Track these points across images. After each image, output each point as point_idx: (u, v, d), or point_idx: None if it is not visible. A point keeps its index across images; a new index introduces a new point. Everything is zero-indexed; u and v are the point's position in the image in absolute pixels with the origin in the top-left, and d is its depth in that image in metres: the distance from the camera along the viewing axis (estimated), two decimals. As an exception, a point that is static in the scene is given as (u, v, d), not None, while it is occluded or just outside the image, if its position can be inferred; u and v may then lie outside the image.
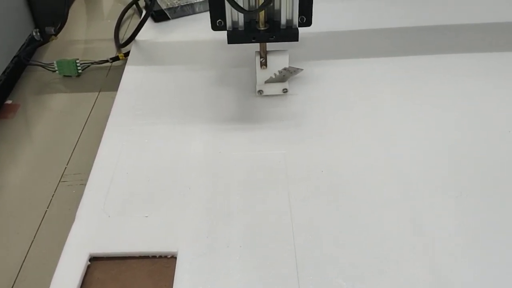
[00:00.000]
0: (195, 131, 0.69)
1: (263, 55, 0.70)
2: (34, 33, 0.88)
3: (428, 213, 0.57)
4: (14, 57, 0.84)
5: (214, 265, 0.52)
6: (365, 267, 0.51)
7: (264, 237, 0.55)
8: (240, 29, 0.67)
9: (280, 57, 0.71)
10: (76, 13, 1.05)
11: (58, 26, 0.89)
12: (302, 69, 0.74)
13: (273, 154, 0.65)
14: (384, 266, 0.51)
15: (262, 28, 0.67)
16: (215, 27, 0.67)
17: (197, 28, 0.92)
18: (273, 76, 0.73)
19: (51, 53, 0.92)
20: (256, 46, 0.70)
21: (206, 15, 0.95)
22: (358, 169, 0.62)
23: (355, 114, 0.71)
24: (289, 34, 0.67)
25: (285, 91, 0.74)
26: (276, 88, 0.74)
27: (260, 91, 0.74)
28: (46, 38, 0.90)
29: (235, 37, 0.67)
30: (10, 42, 0.83)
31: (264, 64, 0.71)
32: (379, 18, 0.93)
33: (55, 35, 0.90)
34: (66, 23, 0.91)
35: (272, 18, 0.67)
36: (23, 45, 0.87)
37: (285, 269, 0.51)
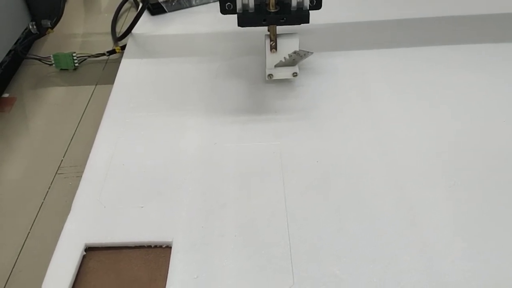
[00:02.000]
0: (191, 123, 0.69)
1: (273, 38, 0.70)
2: (30, 26, 0.88)
3: (422, 203, 0.57)
4: (11, 50, 0.84)
5: (209, 255, 0.52)
6: (359, 256, 0.52)
7: (259, 227, 0.55)
8: (250, 11, 0.67)
9: (290, 40, 0.71)
10: (73, 6, 1.05)
11: (55, 19, 0.89)
12: (312, 52, 0.73)
13: (268, 146, 0.65)
14: (377, 255, 0.52)
15: (273, 11, 0.66)
16: (224, 10, 0.67)
17: (193, 21, 0.92)
18: (283, 60, 0.72)
19: (47, 47, 0.93)
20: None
21: (203, 8, 0.97)
22: (353, 160, 0.62)
23: (350, 105, 0.71)
24: (300, 17, 0.66)
25: (295, 75, 0.73)
26: (286, 72, 0.73)
27: (270, 75, 0.73)
28: (42, 31, 0.89)
29: (245, 20, 0.67)
30: (6, 35, 0.83)
31: (274, 47, 0.70)
32: (383, 9, 0.93)
33: (52, 28, 0.89)
34: (63, 17, 0.90)
35: (283, 1, 0.67)
36: (19, 38, 0.87)
37: (280, 259, 0.52)
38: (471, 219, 0.55)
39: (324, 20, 0.83)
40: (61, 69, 0.86)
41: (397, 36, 0.85)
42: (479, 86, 0.73)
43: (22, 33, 0.88)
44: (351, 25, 0.89)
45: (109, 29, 0.95)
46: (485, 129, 0.66)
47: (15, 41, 0.85)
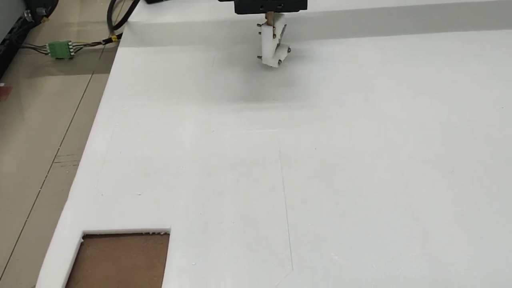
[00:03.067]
0: (188, 111, 0.69)
1: (272, 23, 0.69)
2: (25, 15, 0.87)
3: (421, 189, 0.57)
4: (5, 40, 0.84)
5: (207, 242, 0.52)
6: (358, 242, 0.52)
7: (258, 214, 0.55)
8: None
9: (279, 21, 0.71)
10: (67, 4, 1.04)
11: (50, 7, 0.88)
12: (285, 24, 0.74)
13: (266, 133, 0.64)
14: (377, 242, 0.52)
15: None
16: None
17: (190, 10, 0.92)
18: (279, 42, 0.73)
19: (43, 36, 0.92)
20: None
21: (200, -4, 0.95)
22: (351, 147, 0.62)
23: (348, 94, 0.70)
24: (298, 3, 0.66)
25: (289, 50, 0.75)
26: (282, 52, 0.74)
27: (280, 61, 0.73)
28: (37, 20, 0.89)
29: (243, 6, 0.66)
30: (1, 24, 0.82)
31: (274, 33, 0.70)
32: None
33: (47, 16, 0.89)
34: (58, 5, 0.90)
35: None
36: (14, 27, 0.86)
37: (278, 245, 0.52)
38: (471, 208, 0.55)
39: (321, 7, 0.82)
40: (57, 58, 0.86)
41: (396, 24, 0.85)
42: (478, 72, 0.73)
43: (17, 22, 0.87)
44: (349, 12, 0.89)
45: (105, 18, 0.95)
46: (484, 115, 0.66)
47: (9, 30, 0.84)
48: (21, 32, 0.88)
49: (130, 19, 0.88)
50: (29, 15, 0.87)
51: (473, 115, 0.66)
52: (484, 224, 0.53)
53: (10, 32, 0.85)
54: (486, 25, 0.83)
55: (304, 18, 0.79)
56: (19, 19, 0.87)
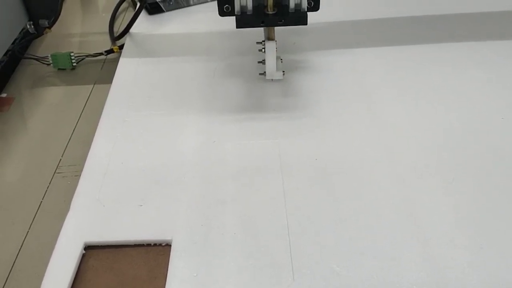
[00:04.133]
0: (189, 121, 0.69)
1: (274, 37, 0.70)
2: (28, 26, 0.88)
3: (422, 199, 0.57)
4: (8, 50, 0.84)
5: (208, 253, 0.52)
6: (359, 252, 0.52)
7: (259, 225, 0.55)
8: (248, 13, 0.67)
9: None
10: (70, 6, 1.05)
11: (52, 19, 0.89)
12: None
13: (267, 143, 0.65)
14: (378, 252, 0.52)
15: (271, 12, 0.67)
16: (222, 12, 0.67)
17: (191, 20, 0.92)
18: (281, 59, 0.75)
19: (45, 47, 0.93)
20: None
21: (201, 8, 0.97)
22: (352, 156, 0.62)
23: (349, 103, 0.71)
24: (298, 18, 0.67)
25: (281, 61, 0.76)
26: (279, 64, 0.75)
27: (284, 72, 0.74)
28: (40, 31, 0.90)
29: (244, 21, 0.67)
30: (4, 35, 0.82)
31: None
32: (380, 8, 0.93)
33: (49, 27, 0.90)
34: (61, 17, 0.91)
35: (280, 2, 0.67)
36: (17, 38, 0.87)
37: (279, 256, 0.52)
38: (472, 215, 0.55)
39: (320, 19, 0.83)
40: (59, 69, 0.86)
41: (397, 34, 0.86)
42: (478, 82, 0.74)
43: (20, 33, 0.88)
44: (348, 23, 0.89)
45: (106, 29, 0.95)
46: (484, 125, 0.66)
47: (12, 41, 0.85)
48: (24, 43, 0.89)
49: (132, 30, 0.88)
50: (32, 26, 0.88)
51: (474, 124, 0.66)
52: (485, 231, 0.53)
53: (13, 43, 0.86)
54: (487, 36, 0.83)
55: (305, 29, 0.80)
56: (22, 30, 0.88)
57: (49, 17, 0.89)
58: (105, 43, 0.92)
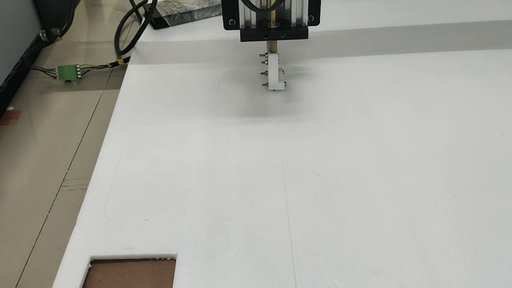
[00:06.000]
0: (194, 136, 0.70)
1: (276, 50, 0.73)
2: (40, 34, 0.91)
3: (423, 215, 0.57)
4: (17, 63, 0.85)
5: (213, 267, 0.53)
6: (361, 268, 0.52)
7: (262, 240, 0.56)
8: (252, 27, 0.70)
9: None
10: (78, 20, 1.06)
11: (64, 27, 0.92)
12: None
13: (271, 158, 0.66)
14: (379, 268, 0.52)
15: (273, 27, 0.70)
16: (227, 26, 0.70)
17: (196, 35, 0.94)
18: (282, 71, 0.78)
19: (52, 59, 0.94)
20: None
21: (205, 23, 0.98)
22: (354, 172, 0.63)
23: (351, 116, 0.72)
24: (299, 32, 0.70)
25: (283, 72, 0.79)
26: (281, 75, 0.77)
27: (285, 83, 0.77)
28: (52, 39, 0.92)
29: (248, 35, 0.70)
30: (19, 42, 0.85)
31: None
32: (379, 17, 0.96)
33: (61, 36, 0.92)
34: (69, 30, 0.92)
35: (283, 17, 0.70)
36: (28, 46, 0.89)
37: (283, 271, 0.52)
38: (471, 231, 0.56)
39: (320, 28, 0.85)
40: (66, 82, 0.88)
41: (395, 43, 0.88)
42: (478, 93, 0.75)
43: (32, 41, 0.90)
44: (348, 32, 0.92)
45: (112, 39, 0.97)
46: (484, 141, 0.67)
47: (27, 47, 0.87)
48: (34, 50, 0.91)
49: (137, 44, 0.90)
50: (44, 34, 0.91)
51: (474, 141, 0.67)
52: (485, 249, 0.54)
53: (24, 52, 0.87)
54: (489, 45, 0.86)
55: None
56: (34, 38, 0.90)
57: (60, 26, 0.91)
58: (111, 54, 0.93)
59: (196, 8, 0.97)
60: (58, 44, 0.95)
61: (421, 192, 0.60)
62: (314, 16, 0.70)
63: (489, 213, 0.58)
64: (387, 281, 0.51)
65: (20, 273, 0.57)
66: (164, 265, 0.54)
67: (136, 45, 0.90)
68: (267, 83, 0.76)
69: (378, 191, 0.61)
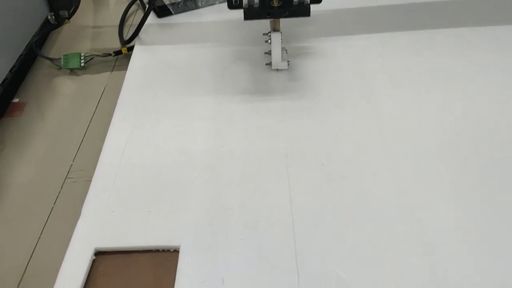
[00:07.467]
0: (197, 127, 0.70)
1: (279, 29, 0.75)
2: (49, 17, 0.93)
3: (426, 207, 0.57)
4: (20, 55, 0.86)
5: (216, 259, 0.53)
6: (364, 259, 0.52)
7: (265, 231, 0.56)
8: (255, 6, 0.71)
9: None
10: (83, 3, 1.05)
11: (72, 10, 0.94)
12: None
13: (274, 148, 0.65)
14: (382, 258, 0.52)
15: (276, 5, 0.71)
16: (231, 5, 0.72)
17: (200, 23, 0.93)
18: (286, 50, 0.78)
19: (58, 46, 0.94)
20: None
21: (209, 10, 0.97)
22: (357, 163, 0.63)
23: (353, 97, 0.73)
24: (301, 10, 0.72)
25: (286, 52, 0.79)
26: (284, 54, 0.78)
27: (288, 62, 0.77)
28: (60, 22, 0.94)
29: (251, 13, 0.72)
30: (28, 25, 0.86)
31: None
32: None
33: (69, 18, 0.94)
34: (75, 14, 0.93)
35: None
36: (38, 29, 0.90)
37: (285, 262, 0.52)
38: (474, 220, 0.55)
39: (323, 7, 0.84)
40: (70, 70, 0.87)
41: (397, 21, 0.88)
42: (482, 73, 0.75)
43: (40, 25, 0.91)
44: (350, 11, 0.92)
45: (117, 26, 0.97)
46: (488, 133, 0.66)
47: (36, 30, 0.89)
48: (43, 34, 0.92)
49: (141, 33, 0.89)
50: (53, 17, 0.93)
51: (477, 133, 0.66)
52: (488, 239, 0.53)
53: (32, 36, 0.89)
54: (489, 21, 0.85)
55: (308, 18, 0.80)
56: (42, 21, 0.91)
57: (68, 8, 0.93)
58: (117, 38, 0.93)
59: (200, -4, 0.96)
60: (65, 29, 0.96)
61: (423, 181, 0.60)
62: None
63: (492, 206, 0.57)
64: (390, 272, 0.51)
65: (26, 265, 0.57)
66: (167, 256, 0.54)
67: (140, 34, 0.89)
68: (271, 62, 0.77)
69: (381, 182, 0.60)
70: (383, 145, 0.65)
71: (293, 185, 0.60)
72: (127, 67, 0.83)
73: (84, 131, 0.75)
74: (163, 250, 0.55)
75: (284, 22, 0.75)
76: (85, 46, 0.93)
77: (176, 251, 0.54)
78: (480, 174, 0.60)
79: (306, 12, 0.72)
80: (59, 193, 0.65)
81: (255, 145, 0.66)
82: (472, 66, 0.76)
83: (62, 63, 0.87)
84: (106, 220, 0.58)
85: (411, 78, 0.75)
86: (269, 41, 0.75)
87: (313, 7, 0.72)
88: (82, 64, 0.88)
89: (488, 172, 0.60)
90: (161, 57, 0.85)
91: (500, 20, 0.85)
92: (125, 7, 1.02)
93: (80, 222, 0.57)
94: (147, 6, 0.94)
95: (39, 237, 0.60)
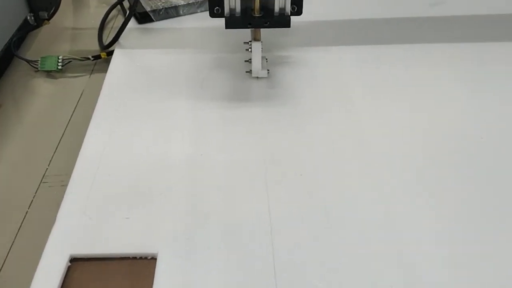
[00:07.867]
0: (177, 134, 0.69)
1: (260, 38, 0.76)
2: (28, 17, 0.91)
3: (404, 218, 0.58)
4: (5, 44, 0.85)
5: (194, 266, 0.53)
6: (342, 269, 0.53)
7: (243, 239, 0.56)
8: (237, 15, 0.72)
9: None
10: (64, 5, 1.04)
11: (51, 11, 0.92)
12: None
13: (253, 156, 0.66)
14: (361, 268, 0.53)
15: (257, 15, 0.72)
16: (213, 14, 0.72)
17: (181, 30, 0.93)
18: (266, 59, 0.79)
19: (36, 48, 0.93)
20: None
21: (190, 18, 0.98)
22: (335, 172, 0.63)
23: (331, 106, 0.74)
24: (282, 21, 0.73)
25: (266, 60, 0.80)
26: (264, 63, 0.79)
27: (268, 71, 0.78)
28: (40, 23, 0.93)
29: (232, 22, 0.72)
30: (6, 26, 0.85)
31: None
32: (361, 8, 0.98)
33: (48, 19, 0.93)
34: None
35: (266, 6, 0.72)
36: (16, 30, 0.89)
37: (263, 270, 0.52)
38: (453, 233, 0.56)
39: (303, 18, 0.85)
40: (47, 73, 0.86)
41: (375, 34, 0.90)
42: (460, 88, 0.77)
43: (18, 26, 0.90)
44: (330, 23, 0.94)
45: (96, 29, 0.96)
46: (466, 144, 0.67)
47: (14, 31, 0.88)
48: (21, 34, 0.91)
49: (121, 38, 0.89)
50: (32, 18, 0.92)
51: (455, 144, 0.67)
52: (467, 250, 0.54)
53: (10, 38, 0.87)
54: (473, 38, 0.88)
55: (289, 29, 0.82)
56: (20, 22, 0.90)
57: (48, 9, 0.92)
58: (94, 44, 0.92)
59: (182, 4, 0.96)
60: (44, 30, 0.95)
61: (402, 195, 0.60)
62: (297, 7, 0.72)
63: (472, 218, 0.58)
64: (368, 283, 0.51)
65: (-1, 271, 0.56)
66: (144, 264, 0.54)
67: (120, 39, 0.89)
68: (251, 70, 0.78)
69: (359, 191, 0.61)
70: (361, 154, 0.66)
71: (271, 193, 0.60)
72: (106, 71, 0.82)
73: (61, 135, 0.74)
74: (140, 258, 0.54)
75: (265, 31, 0.76)
76: (64, 49, 0.92)
77: (153, 259, 0.54)
78: (459, 183, 0.62)
79: (286, 24, 0.73)
80: (33, 197, 0.64)
81: (234, 152, 0.66)
82: (452, 77, 0.78)
83: (39, 65, 0.86)
84: (82, 226, 0.57)
85: (389, 89, 0.77)
86: (249, 49, 0.77)
87: (294, 19, 0.73)
88: (60, 67, 0.87)
89: (468, 182, 0.62)
90: (141, 62, 0.85)
91: (479, 37, 0.88)
92: (105, 11, 1.01)
93: (55, 228, 0.56)
94: (127, 11, 0.94)
95: (13, 243, 0.59)
